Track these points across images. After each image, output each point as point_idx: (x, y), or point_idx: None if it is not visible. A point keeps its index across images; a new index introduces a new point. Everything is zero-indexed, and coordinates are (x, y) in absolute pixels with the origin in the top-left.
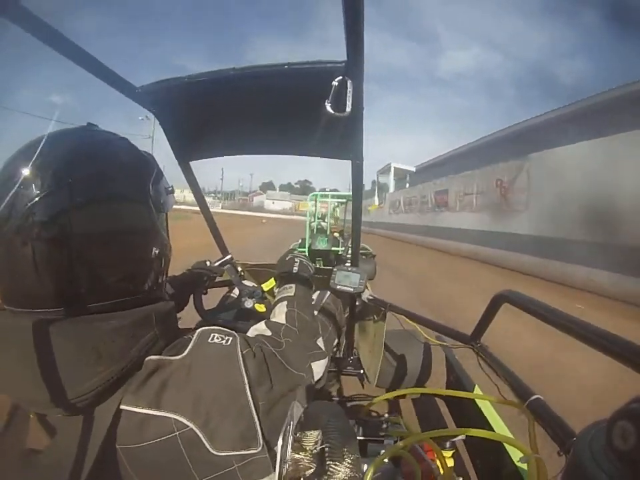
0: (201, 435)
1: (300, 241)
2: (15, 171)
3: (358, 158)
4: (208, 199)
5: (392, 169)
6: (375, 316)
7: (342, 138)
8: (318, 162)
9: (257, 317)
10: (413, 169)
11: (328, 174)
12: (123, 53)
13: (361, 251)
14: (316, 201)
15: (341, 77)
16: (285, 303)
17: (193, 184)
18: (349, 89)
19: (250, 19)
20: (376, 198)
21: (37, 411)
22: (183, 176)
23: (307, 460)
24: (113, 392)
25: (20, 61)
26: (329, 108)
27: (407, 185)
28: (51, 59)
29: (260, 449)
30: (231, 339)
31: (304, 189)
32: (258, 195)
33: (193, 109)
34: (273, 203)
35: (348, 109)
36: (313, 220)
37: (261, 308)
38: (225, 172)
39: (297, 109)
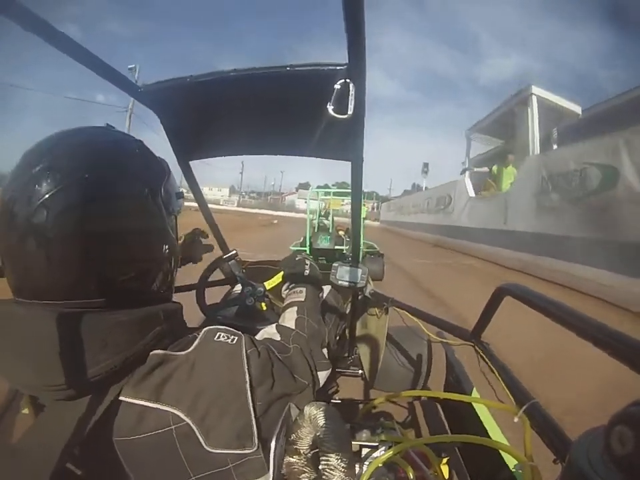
0: (196, 431)
1: (302, 239)
2: (32, 164)
3: (358, 159)
4: (235, 197)
5: (533, 103)
6: (377, 312)
7: (342, 139)
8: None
9: (258, 314)
10: (578, 110)
11: (365, 176)
12: (121, 51)
13: (367, 250)
14: (318, 197)
15: (342, 80)
16: (296, 308)
17: (192, 183)
18: (351, 92)
19: (250, 19)
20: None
21: (37, 394)
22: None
23: (301, 464)
24: (113, 382)
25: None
26: (330, 111)
27: (555, 147)
28: None
29: (255, 449)
30: (236, 338)
31: (341, 189)
32: (291, 194)
33: (194, 108)
34: (305, 202)
35: (350, 112)
36: (314, 217)
37: (262, 306)
38: (260, 171)
39: (298, 111)
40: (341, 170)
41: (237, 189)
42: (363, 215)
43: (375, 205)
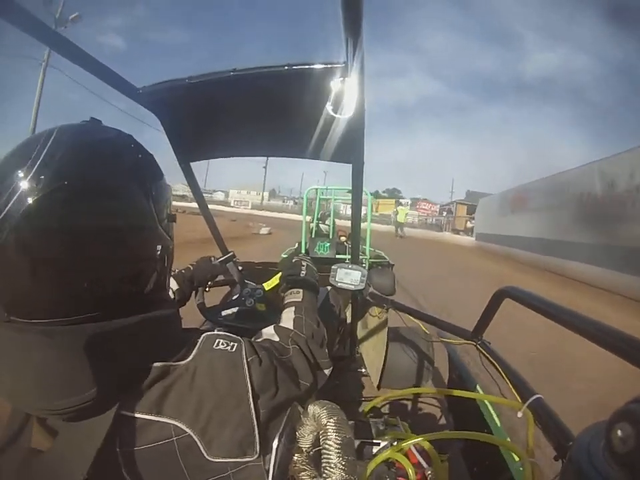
0: (198, 442)
1: (296, 245)
2: (14, 167)
3: (359, 161)
4: (277, 202)
5: None
6: (377, 313)
7: (343, 141)
8: (408, 169)
9: (258, 315)
10: None
11: (419, 182)
12: (120, 53)
13: (375, 260)
14: (317, 197)
15: (341, 79)
16: (293, 309)
17: (192, 184)
18: (350, 92)
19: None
20: None
21: (40, 415)
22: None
23: (302, 461)
24: (114, 398)
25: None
26: (330, 111)
27: None
28: None
29: (256, 456)
30: (236, 345)
31: (392, 197)
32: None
33: (193, 109)
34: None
35: (349, 112)
36: (311, 220)
37: (261, 307)
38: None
39: (298, 111)
40: (387, 176)
41: (278, 193)
42: (402, 219)
43: (448, 207)
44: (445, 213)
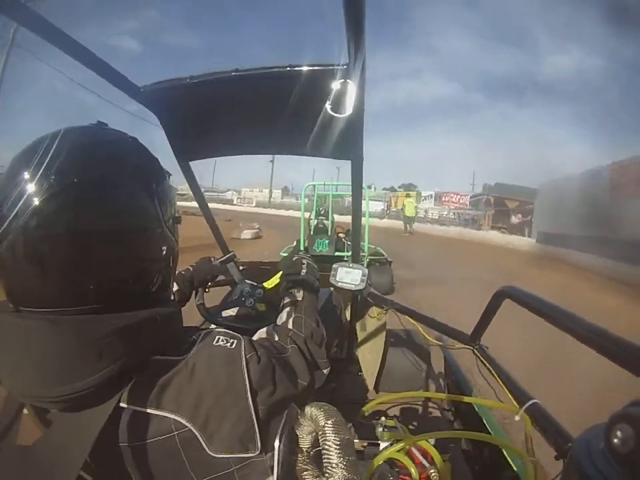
0: (199, 436)
1: (295, 243)
2: (23, 168)
3: (358, 158)
4: (290, 200)
5: None
6: (376, 314)
7: (342, 138)
8: (422, 162)
9: (258, 315)
10: None
11: (435, 175)
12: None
13: (373, 256)
14: (315, 194)
15: (342, 80)
16: (293, 308)
17: (192, 183)
18: (350, 92)
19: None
20: None
21: (38, 404)
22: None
23: (303, 462)
24: (113, 390)
25: None
26: (330, 110)
27: None
28: None
29: (257, 452)
30: (235, 342)
31: (409, 191)
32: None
33: (194, 109)
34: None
35: (349, 111)
36: (312, 217)
37: (261, 307)
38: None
39: (298, 110)
40: (403, 172)
41: (291, 190)
42: (411, 213)
43: (486, 197)
44: (470, 207)
